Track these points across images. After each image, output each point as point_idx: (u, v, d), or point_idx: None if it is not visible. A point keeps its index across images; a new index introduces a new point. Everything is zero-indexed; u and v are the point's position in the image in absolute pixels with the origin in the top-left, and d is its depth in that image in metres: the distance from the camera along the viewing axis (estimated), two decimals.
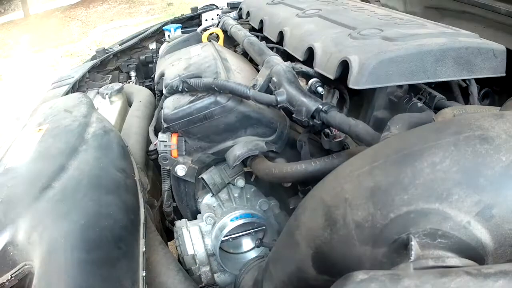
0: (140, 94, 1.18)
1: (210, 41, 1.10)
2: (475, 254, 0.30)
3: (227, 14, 1.39)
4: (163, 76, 0.89)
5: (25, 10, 6.62)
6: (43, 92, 1.16)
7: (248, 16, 1.20)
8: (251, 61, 0.99)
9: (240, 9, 1.32)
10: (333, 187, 0.40)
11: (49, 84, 1.20)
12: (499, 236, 0.29)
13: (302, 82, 0.74)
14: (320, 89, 0.73)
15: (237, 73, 0.83)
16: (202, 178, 0.79)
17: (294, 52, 0.82)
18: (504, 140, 0.30)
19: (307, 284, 0.43)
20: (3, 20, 6.61)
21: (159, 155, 0.76)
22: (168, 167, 0.78)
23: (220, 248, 0.76)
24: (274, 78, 0.72)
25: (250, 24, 1.18)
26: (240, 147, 0.74)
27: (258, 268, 0.69)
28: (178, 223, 0.81)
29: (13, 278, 0.49)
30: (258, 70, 0.85)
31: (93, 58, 1.39)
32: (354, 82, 0.60)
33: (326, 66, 0.69)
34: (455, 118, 0.46)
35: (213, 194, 0.81)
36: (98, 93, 1.16)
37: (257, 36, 1.00)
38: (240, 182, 0.81)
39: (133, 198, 0.63)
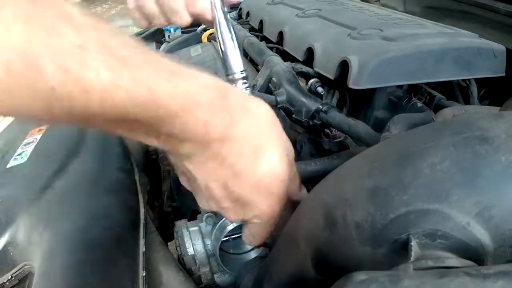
0: None
1: (210, 41, 1.10)
2: (475, 255, 0.30)
3: None
4: None
5: None
6: None
7: (248, 16, 1.20)
8: (251, 61, 0.99)
9: (240, 9, 1.32)
10: (333, 188, 0.40)
11: None
12: (498, 236, 0.29)
13: (302, 82, 0.74)
14: (320, 89, 0.73)
15: None
16: None
17: (294, 52, 0.82)
18: (503, 141, 0.30)
19: (307, 285, 0.43)
20: None
21: (159, 155, 0.76)
22: (168, 167, 0.78)
23: (220, 248, 0.76)
24: (274, 78, 0.72)
25: (250, 24, 1.18)
26: None
27: (258, 268, 0.69)
28: (178, 223, 0.81)
29: (13, 278, 0.50)
30: (258, 70, 0.85)
31: None
32: (354, 82, 0.60)
33: (326, 66, 0.69)
34: (455, 118, 0.46)
35: None
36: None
37: (257, 36, 1.01)
38: None
39: (133, 198, 0.63)
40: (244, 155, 0.38)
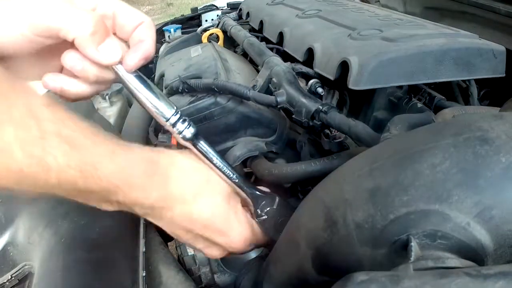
0: None
1: (210, 41, 1.10)
2: (475, 255, 0.30)
3: (227, 14, 1.39)
4: (163, 76, 0.89)
5: None
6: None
7: (248, 16, 1.20)
8: (251, 61, 0.99)
9: (240, 9, 1.32)
10: (333, 188, 0.40)
11: None
12: (498, 237, 0.29)
13: (302, 83, 0.74)
14: (320, 90, 0.73)
15: (237, 74, 0.83)
16: None
17: (294, 52, 0.82)
18: (504, 141, 0.30)
19: (307, 285, 0.43)
20: None
21: None
22: None
23: None
24: (274, 79, 0.72)
25: (250, 25, 1.18)
26: (240, 147, 0.74)
27: (258, 268, 0.69)
28: None
29: (13, 278, 0.50)
30: (258, 71, 0.86)
31: None
32: (354, 82, 0.60)
33: (326, 66, 0.69)
34: (455, 119, 0.46)
35: None
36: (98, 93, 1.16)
37: (257, 37, 1.00)
38: None
39: None
40: (187, 201, 0.45)
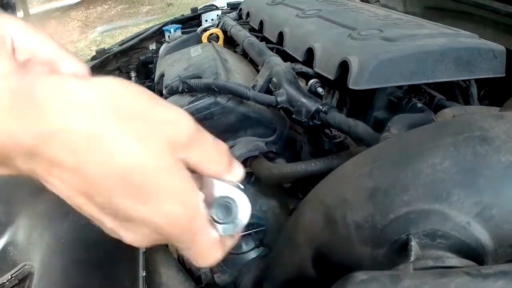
0: None
1: (210, 41, 1.10)
2: (475, 255, 0.30)
3: (227, 14, 1.39)
4: (163, 76, 0.89)
5: (25, 10, 6.62)
6: None
7: (248, 16, 1.20)
8: (251, 61, 0.99)
9: (240, 9, 1.32)
10: (333, 188, 0.40)
11: None
12: (498, 236, 0.29)
13: (302, 83, 0.74)
14: (320, 90, 0.73)
15: (237, 74, 0.83)
16: None
17: (294, 52, 0.82)
18: (503, 141, 0.30)
19: (307, 285, 0.43)
20: None
21: None
22: None
23: None
24: (274, 79, 0.72)
25: (250, 25, 1.18)
26: (240, 147, 0.74)
27: (258, 268, 0.69)
28: None
29: (13, 278, 0.50)
30: (258, 71, 0.86)
31: (93, 58, 1.39)
32: (354, 82, 0.60)
33: (326, 66, 0.69)
34: (455, 119, 0.46)
35: None
36: None
37: (257, 37, 1.00)
38: None
39: None
40: (79, 150, 0.27)
